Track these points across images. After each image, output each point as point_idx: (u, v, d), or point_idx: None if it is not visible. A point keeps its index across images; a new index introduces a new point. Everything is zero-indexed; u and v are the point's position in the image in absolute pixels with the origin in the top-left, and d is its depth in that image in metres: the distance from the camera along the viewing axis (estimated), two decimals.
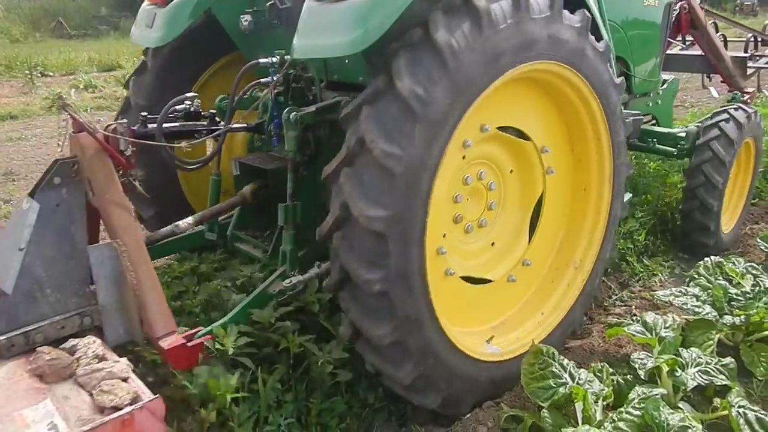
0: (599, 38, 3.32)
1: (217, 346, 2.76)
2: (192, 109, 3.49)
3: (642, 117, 4.66)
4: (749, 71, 6.31)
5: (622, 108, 3.56)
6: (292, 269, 3.21)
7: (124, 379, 2.26)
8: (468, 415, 3.07)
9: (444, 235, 2.99)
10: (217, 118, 3.63)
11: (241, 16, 3.98)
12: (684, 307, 3.67)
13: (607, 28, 3.77)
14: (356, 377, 3.18)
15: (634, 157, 6.06)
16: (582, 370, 3.04)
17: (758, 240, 4.59)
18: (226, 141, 3.86)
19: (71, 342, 2.46)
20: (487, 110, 2.92)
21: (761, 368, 3.44)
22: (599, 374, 3.09)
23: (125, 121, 2.93)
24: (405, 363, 2.79)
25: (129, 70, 14.21)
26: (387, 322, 2.68)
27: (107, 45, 19.88)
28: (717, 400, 3.06)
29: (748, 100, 5.63)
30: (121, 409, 2.10)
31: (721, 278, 3.97)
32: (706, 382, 3.10)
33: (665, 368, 3.08)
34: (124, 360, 2.37)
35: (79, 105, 11.64)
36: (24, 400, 2.20)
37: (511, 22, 2.70)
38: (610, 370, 3.16)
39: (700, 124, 4.92)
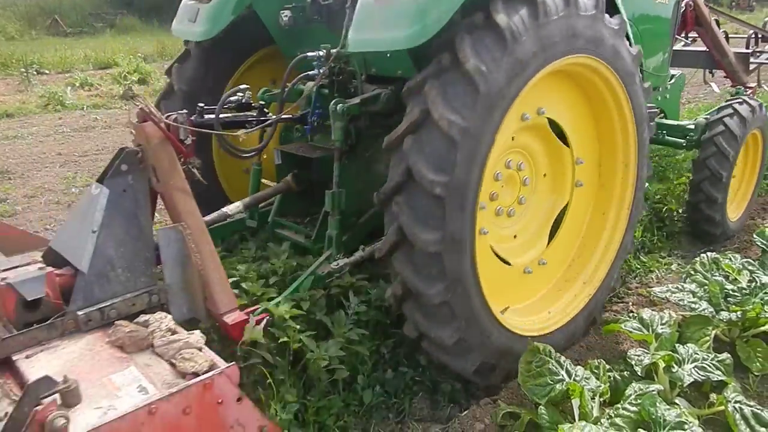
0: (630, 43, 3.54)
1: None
2: (243, 100, 3.67)
3: (657, 110, 4.82)
4: (751, 67, 6.38)
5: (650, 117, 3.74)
6: (338, 253, 3.44)
7: (199, 349, 2.42)
8: (465, 412, 3.07)
9: (482, 208, 3.10)
10: (265, 110, 3.83)
11: (281, 11, 4.20)
12: (680, 303, 3.69)
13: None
14: (353, 375, 3.19)
15: None
16: (579, 366, 3.05)
17: (755, 236, 4.61)
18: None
19: (143, 317, 2.62)
20: (537, 96, 3.14)
21: (757, 364, 3.45)
22: (596, 371, 3.10)
23: (185, 111, 3.08)
24: (450, 324, 2.95)
25: (125, 67, 14.23)
26: (439, 282, 2.84)
27: (103, 43, 19.79)
28: (713, 396, 3.08)
29: (751, 95, 5.69)
30: (200, 375, 2.26)
31: (717, 274, 3.97)
32: (703, 377, 3.11)
33: (662, 364, 3.09)
34: (197, 332, 2.53)
35: (75, 103, 11.64)
36: (109, 367, 2.36)
37: (562, 14, 2.93)
38: (607, 366, 3.17)
39: (708, 117, 5.09)
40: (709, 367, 3.14)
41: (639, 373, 3.16)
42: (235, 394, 2.27)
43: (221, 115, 3.50)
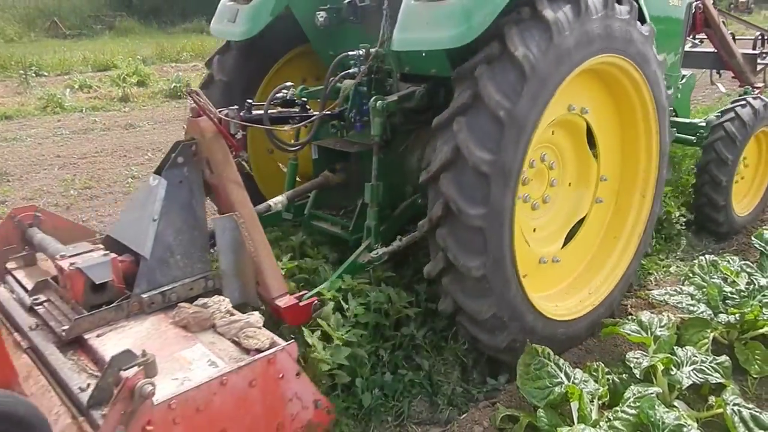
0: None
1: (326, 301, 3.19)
2: (288, 97, 3.92)
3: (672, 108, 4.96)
4: (759, 67, 6.43)
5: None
6: (377, 242, 3.60)
7: (259, 328, 2.59)
8: (464, 415, 3.08)
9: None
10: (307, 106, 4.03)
11: (317, 12, 4.36)
12: (679, 305, 3.69)
13: None
14: (352, 378, 3.18)
15: None
16: (577, 369, 3.06)
17: (753, 238, 4.61)
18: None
19: (201, 300, 2.80)
20: (577, 92, 3.39)
21: (756, 366, 3.45)
22: (595, 373, 3.10)
23: (236, 107, 3.26)
24: (487, 298, 3.10)
25: (124, 70, 14.22)
26: (481, 256, 3.00)
27: (102, 45, 19.80)
28: (712, 399, 3.07)
29: (759, 94, 5.75)
30: (262, 351, 2.44)
31: (715, 277, 3.98)
32: (701, 380, 3.11)
33: (660, 367, 3.09)
34: (257, 313, 2.70)
35: (73, 105, 11.64)
36: (177, 345, 2.54)
37: (601, 14, 3.17)
38: (606, 369, 3.18)
39: (719, 115, 5.26)
40: (708, 369, 3.14)
41: (638, 376, 3.15)
42: (295, 369, 2.49)
43: (270, 111, 3.67)
